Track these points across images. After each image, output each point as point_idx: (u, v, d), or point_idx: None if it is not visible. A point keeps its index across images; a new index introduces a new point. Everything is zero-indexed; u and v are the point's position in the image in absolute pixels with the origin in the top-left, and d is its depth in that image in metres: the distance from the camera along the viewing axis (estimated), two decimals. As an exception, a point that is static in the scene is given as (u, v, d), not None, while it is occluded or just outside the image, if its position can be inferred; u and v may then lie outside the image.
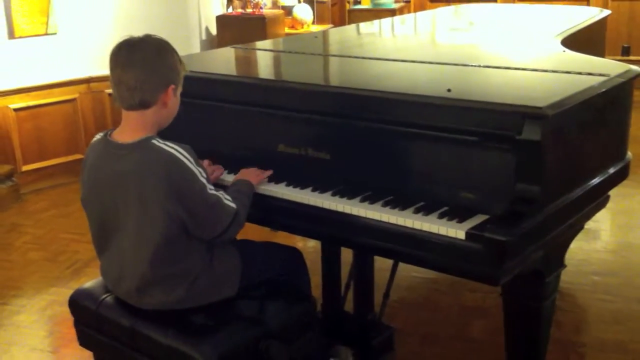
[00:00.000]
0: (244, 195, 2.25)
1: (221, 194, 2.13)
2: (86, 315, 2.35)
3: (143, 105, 2.08)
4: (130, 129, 2.11)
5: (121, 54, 2.07)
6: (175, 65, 2.13)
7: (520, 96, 2.15)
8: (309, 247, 3.98)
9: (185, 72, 2.19)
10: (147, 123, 2.11)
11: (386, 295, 2.92)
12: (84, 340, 2.42)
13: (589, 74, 2.33)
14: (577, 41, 3.28)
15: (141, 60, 2.05)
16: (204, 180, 2.07)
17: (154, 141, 2.06)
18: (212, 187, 2.11)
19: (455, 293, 3.52)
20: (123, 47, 2.07)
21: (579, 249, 3.90)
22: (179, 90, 2.17)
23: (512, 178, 1.95)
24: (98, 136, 2.21)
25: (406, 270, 3.53)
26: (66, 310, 2.44)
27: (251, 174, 2.35)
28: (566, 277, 3.55)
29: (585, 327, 3.22)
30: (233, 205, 2.15)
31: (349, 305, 3.02)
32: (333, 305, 3.03)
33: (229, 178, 2.42)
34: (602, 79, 2.27)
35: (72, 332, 2.46)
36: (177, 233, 2.07)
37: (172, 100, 2.13)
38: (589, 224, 4.06)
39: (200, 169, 2.08)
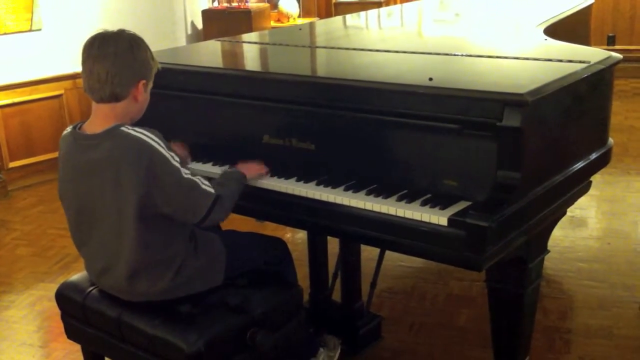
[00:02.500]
0: (232, 182, 2.23)
1: (198, 178, 2.11)
2: (73, 308, 2.36)
3: (114, 98, 2.08)
4: (100, 120, 2.11)
5: (94, 46, 2.07)
6: (147, 61, 2.13)
7: (501, 83, 2.17)
8: (298, 238, 4.00)
9: (157, 68, 2.18)
10: (117, 115, 2.10)
11: (373, 284, 2.94)
12: (72, 333, 2.43)
13: (570, 61, 2.35)
14: (560, 30, 3.29)
15: (113, 54, 2.05)
16: (177, 165, 2.06)
17: (122, 128, 2.06)
18: (187, 172, 2.09)
19: (442, 282, 3.54)
20: (96, 40, 2.07)
21: (564, 236, 3.94)
22: (150, 85, 2.17)
23: (493, 165, 1.96)
24: (67, 129, 2.21)
25: (393, 259, 3.57)
26: (55, 305, 2.44)
27: (247, 167, 2.33)
28: (552, 264, 3.59)
29: (571, 313, 3.25)
30: (211, 190, 2.13)
31: (336, 295, 3.04)
32: (321, 294, 3.05)
33: (216, 170, 2.43)
34: (582, 65, 2.29)
35: (60, 326, 2.47)
36: (153, 218, 2.06)
37: (143, 95, 2.14)
38: (574, 211, 4.15)
39: (173, 154, 2.07)
